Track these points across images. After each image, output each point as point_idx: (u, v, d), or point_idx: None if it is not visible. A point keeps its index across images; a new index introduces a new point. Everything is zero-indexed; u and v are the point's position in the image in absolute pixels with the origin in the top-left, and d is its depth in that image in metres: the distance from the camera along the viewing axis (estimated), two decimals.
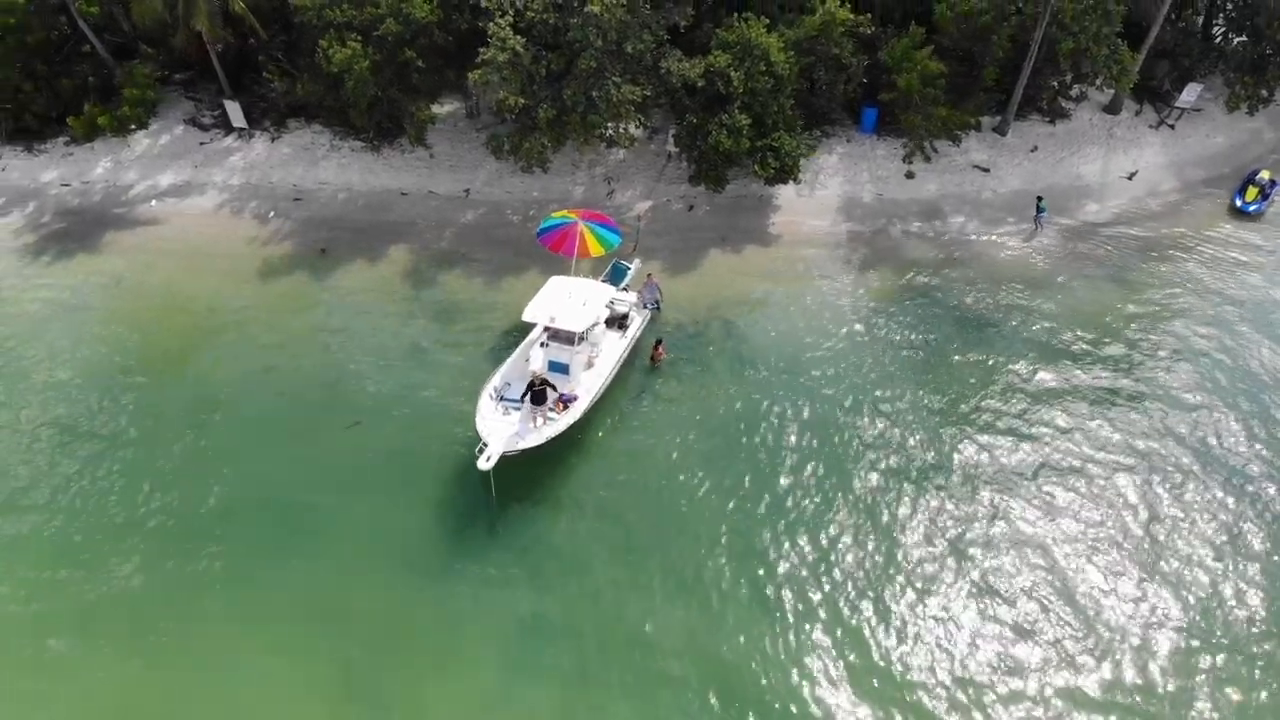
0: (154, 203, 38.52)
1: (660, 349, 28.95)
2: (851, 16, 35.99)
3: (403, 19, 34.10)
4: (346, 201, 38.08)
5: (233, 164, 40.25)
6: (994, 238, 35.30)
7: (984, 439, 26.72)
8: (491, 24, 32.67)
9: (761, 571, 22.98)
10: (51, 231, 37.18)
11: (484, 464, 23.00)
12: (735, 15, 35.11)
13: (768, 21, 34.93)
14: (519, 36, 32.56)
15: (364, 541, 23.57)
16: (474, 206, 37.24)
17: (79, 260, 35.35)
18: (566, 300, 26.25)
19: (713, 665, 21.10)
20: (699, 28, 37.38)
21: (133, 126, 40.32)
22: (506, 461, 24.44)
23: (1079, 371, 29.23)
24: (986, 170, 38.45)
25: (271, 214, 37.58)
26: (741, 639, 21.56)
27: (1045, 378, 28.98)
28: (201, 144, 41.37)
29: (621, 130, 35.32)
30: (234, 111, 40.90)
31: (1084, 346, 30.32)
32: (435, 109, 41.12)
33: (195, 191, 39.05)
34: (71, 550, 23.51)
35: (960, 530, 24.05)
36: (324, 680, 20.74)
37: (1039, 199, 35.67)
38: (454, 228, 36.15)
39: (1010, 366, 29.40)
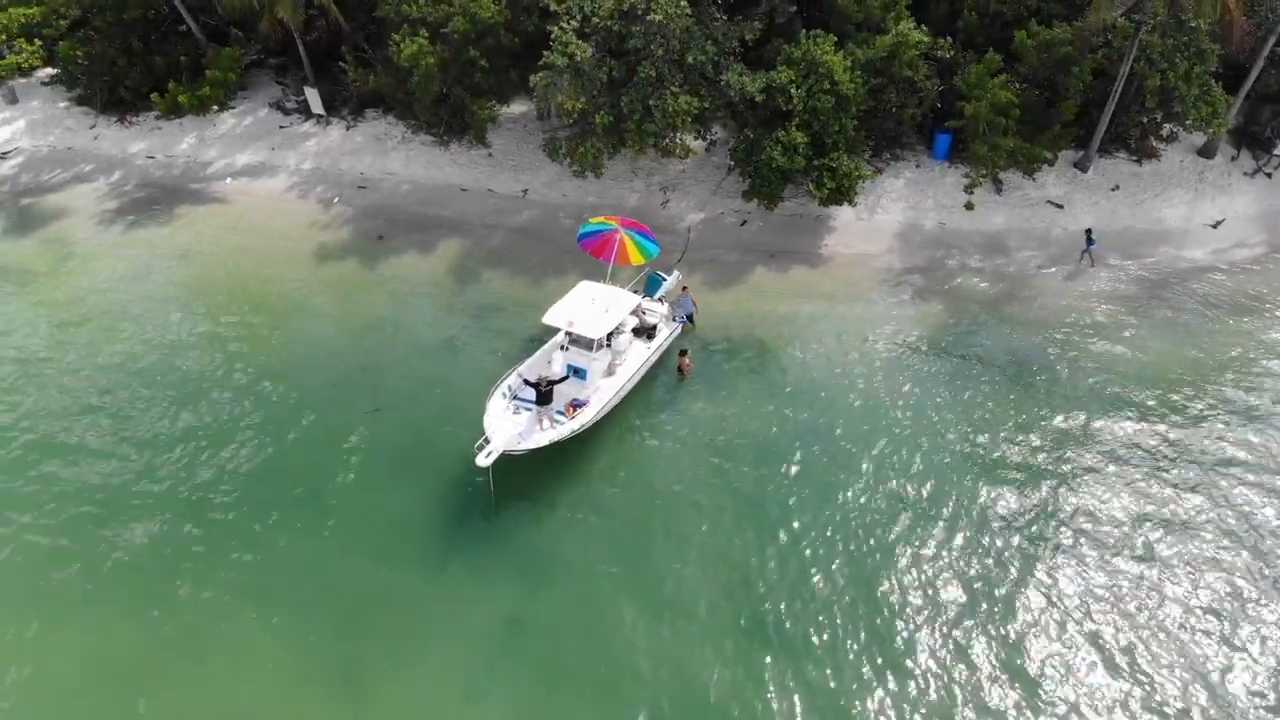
0: (229, 180, 40.00)
1: (686, 359, 28.57)
2: (926, 39, 34.97)
3: (470, 17, 34.54)
4: (408, 193, 38.83)
5: (307, 149, 41.51)
6: (1058, 278, 33.71)
7: (1022, 497, 25.07)
8: (556, 27, 32.82)
9: (752, 605, 22.21)
10: (132, 200, 39.03)
11: (483, 460, 23.05)
12: (805, 32, 34.44)
13: (836, 40, 34.22)
14: (582, 42, 32.63)
15: (359, 524, 23.90)
16: (529, 207, 37.50)
17: (152, 230, 37.01)
18: (590, 306, 26.17)
19: (686, 687, 20.55)
20: (769, 43, 36.88)
21: (215, 107, 41.92)
22: (512, 461, 24.50)
23: (1137, 428, 27.20)
24: (1060, 206, 36.84)
25: (336, 200, 38.57)
26: (720, 667, 20.96)
27: (1101, 432, 27.03)
28: (281, 127, 42.81)
29: (678, 141, 35.06)
30: (313, 98, 42.14)
31: (1144, 401, 28.23)
32: (507, 109, 41.70)
33: (268, 173, 40.42)
34: (97, 494, 24.94)
35: (979, 604, 22.97)
36: (299, 655, 21.06)
37: (1088, 231, 34.02)
38: (506, 227, 36.46)
39: (1062, 418, 27.49)
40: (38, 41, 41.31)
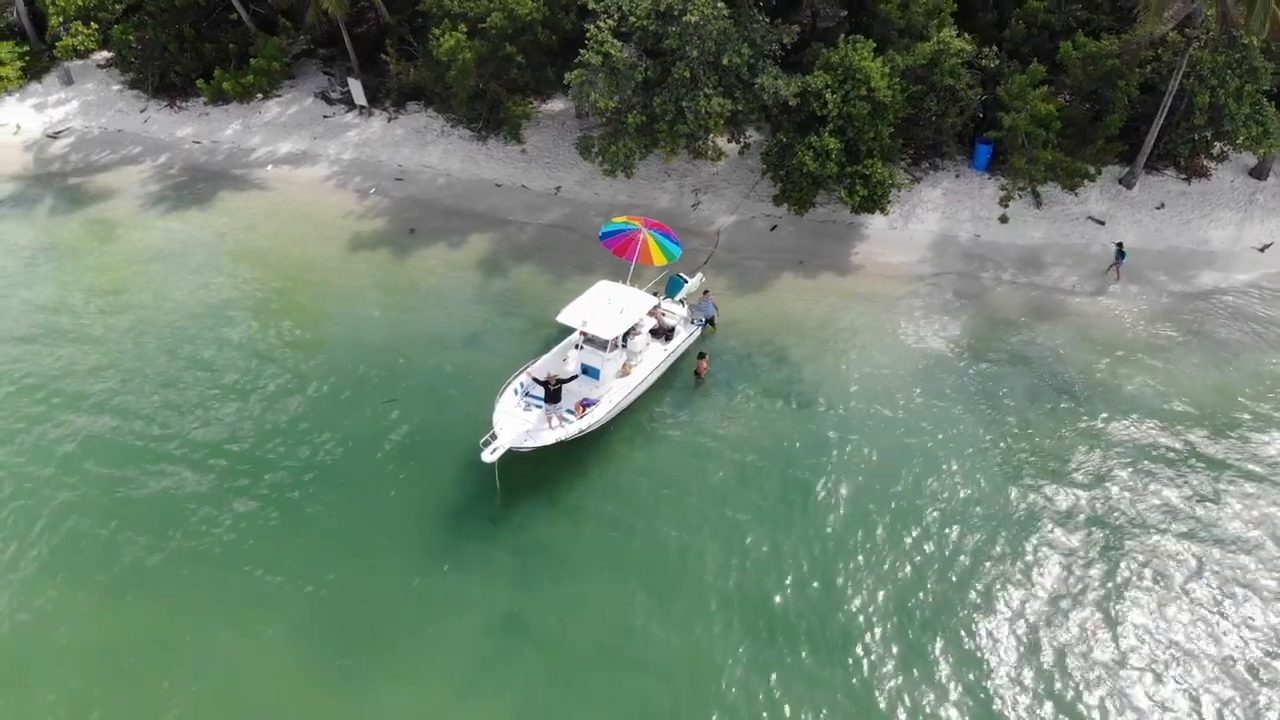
0: (270, 168, 40.65)
1: (704, 362, 28.38)
2: (968, 47, 34.35)
3: (508, 13, 34.68)
4: (443, 186, 39.11)
5: (348, 139, 42.02)
6: (1094, 296, 32.86)
7: (1037, 520, 24.44)
8: (593, 26, 32.80)
9: (757, 613, 22.06)
10: (175, 183, 39.90)
11: (488, 455, 23.15)
12: (844, 37, 34.01)
13: (876, 46, 33.75)
14: (617, 41, 32.57)
15: (365, 512, 24.28)
16: (561, 205, 37.56)
17: (191, 212, 37.85)
18: (605, 306, 26.12)
19: (687, 691, 20.51)
20: (808, 47, 36.49)
21: (259, 95, 42.64)
22: (520, 458, 24.60)
23: (1163, 453, 26.36)
24: (1102, 223, 35.91)
25: (372, 190, 39.01)
26: (722, 672, 20.83)
27: (1123, 455, 26.29)
28: (325, 117, 43.39)
29: (710, 143, 34.85)
30: (356, 89, 42.63)
31: (1180, 427, 27.24)
32: (546, 107, 41.82)
33: (309, 161, 41.00)
34: (123, 449, 26.42)
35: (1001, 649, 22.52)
36: (299, 642, 21.47)
37: (1119, 245, 33.10)
38: (537, 223, 36.57)
39: (1085, 442, 26.75)
40: (94, 24, 42.32)
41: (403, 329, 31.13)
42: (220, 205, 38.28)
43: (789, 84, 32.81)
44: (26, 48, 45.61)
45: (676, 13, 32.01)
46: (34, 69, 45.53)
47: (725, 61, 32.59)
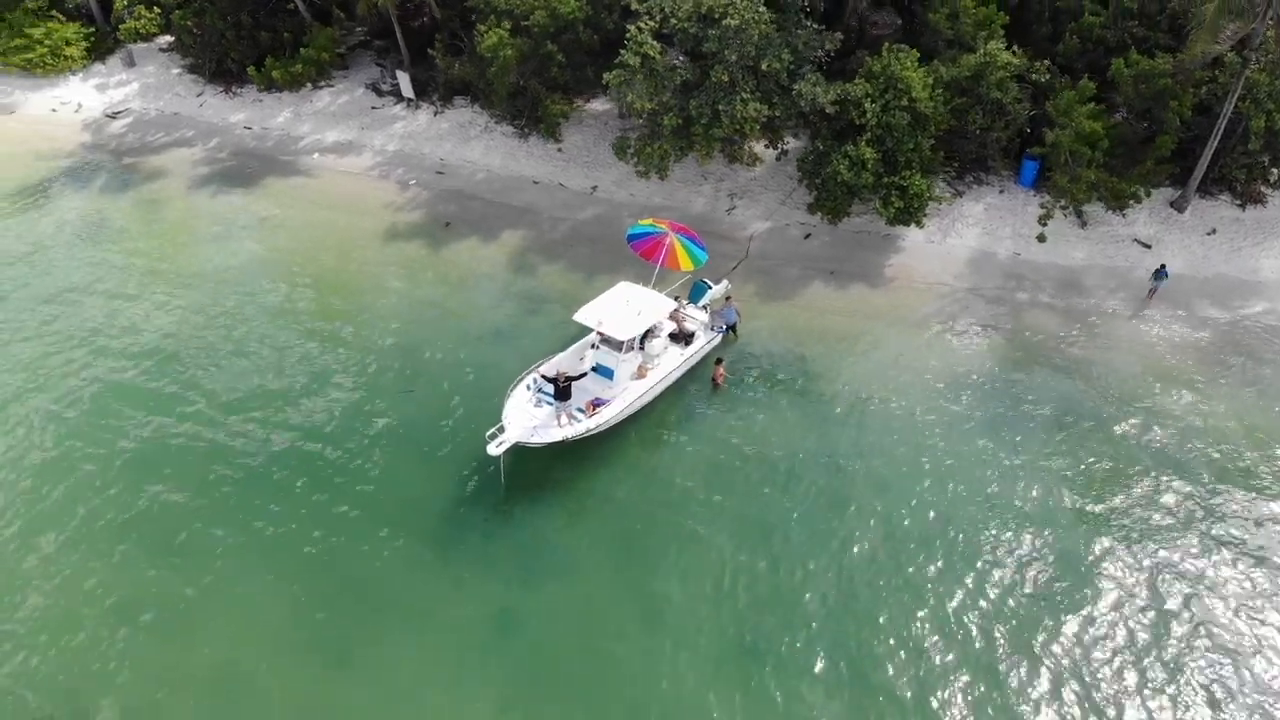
0: (316, 156, 41.37)
1: (721, 369, 28.16)
2: (1015, 61, 33.60)
3: (551, 12, 34.82)
4: (483, 181, 39.41)
5: (394, 131, 42.57)
6: (1133, 322, 31.85)
7: (1048, 552, 23.73)
8: (633, 27, 32.78)
9: (750, 626, 21.84)
10: (223, 167, 40.83)
11: (493, 449, 23.31)
12: (888, 46, 33.50)
13: (920, 56, 33.20)
14: (656, 43, 32.51)
15: (371, 497, 24.66)
16: (596, 204, 37.61)
17: (236, 195, 38.76)
18: (623, 307, 26.09)
19: (670, 698, 20.43)
20: (852, 54, 36.04)
21: (307, 84, 43.42)
22: (529, 454, 24.71)
23: (1189, 493, 25.29)
24: (1148, 246, 34.85)
25: (413, 182, 39.48)
26: (708, 682, 20.69)
27: (1148, 493, 25.25)
28: (373, 108, 43.99)
29: (746, 148, 34.60)
30: (404, 82, 43.18)
31: (1206, 465, 26.13)
32: (590, 107, 41.91)
33: (354, 151, 41.63)
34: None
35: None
36: (297, 620, 21.95)
37: (1161, 266, 32.00)
38: (571, 222, 36.65)
39: (1109, 476, 25.79)
40: (156, 9, 43.54)
41: (427, 319, 31.44)
42: (266, 190, 39.08)
43: (827, 91, 32.44)
44: (93, 29, 47.06)
45: (717, 16, 31.86)
46: (99, 50, 46.98)
47: (764, 67, 32.34)
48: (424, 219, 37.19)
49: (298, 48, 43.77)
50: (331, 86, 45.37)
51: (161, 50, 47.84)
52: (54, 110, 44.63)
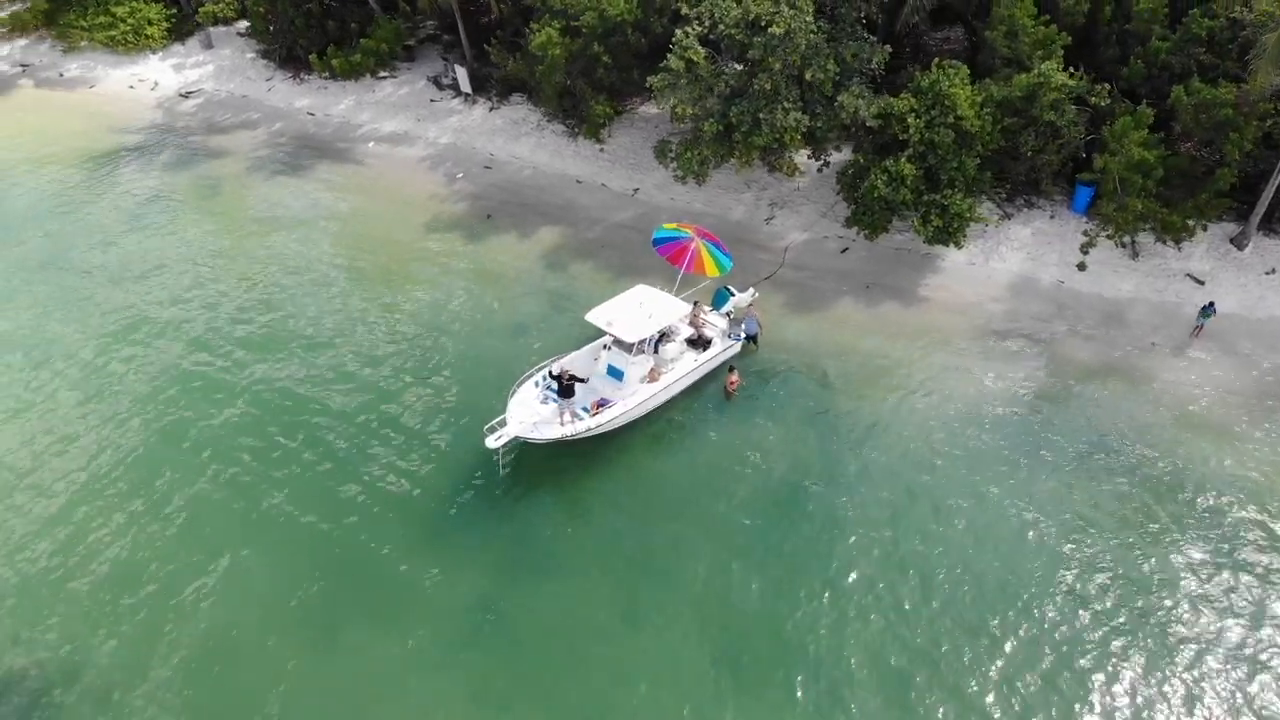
0: (371, 144, 42.37)
1: (734, 376, 27.91)
2: (1071, 82, 32.58)
3: (600, 13, 35.03)
4: (528, 178, 39.87)
5: (448, 124, 43.35)
6: (1177, 362, 30.46)
7: (1058, 602, 22.75)
8: (679, 31, 32.76)
9: (734, 644, 21.56)
10: (281, 151, 42.13)
11: (491, 441, 23.53)
12: (937, 62, 32.83)
13: (976, 73, 32.44)
14: (701, 48, 32.43)
15: (373, 482, 25.10)
16: (635, 206, 37.68)
17: (289, 179, 40.07)
18: (636, 310, 26.12)
19: (641, 705, 20.34)
20: (904, 69, 35.42)
21: (366, 74, 44.46)
22: (534, 450, 24.94)
23: (1229, 556, 23.74)
24: (1201, 283, 33.41)
25: (460, 175, 40.12)
26: (686, 696, 20.49)
27: (1179, 551, 23.79)
28: (432, 101, 44.85)
29: (786, 157, 34.27)
30: (462, 77, 43.90)
31: (1244, 523, 24.57)
32: (642, 109, 42.00)
33: (407, 142, 42.50)
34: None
35: None
36: (287, 596, 22.50)
37: (1210, 303, 30.65)
38: (608, 223, 36.81)
39: (1147, 528, 24.40)
40: None
41: (454, 309, 32.03)
42: (320, 174, 40.29)
43: (870, 104, 31.93)
44: (174, 10, 49.02)
45: (764, 23, 31.64)
46: (179, 31, 48.95)
47: (809, 77, 31.99)
48: (466, 211, 37.77)
49: (363, 38, 44.80)
50: (395, 77, 46.39)
51: (239, 35, 49.56)
52: (131, 87, 46.64)
